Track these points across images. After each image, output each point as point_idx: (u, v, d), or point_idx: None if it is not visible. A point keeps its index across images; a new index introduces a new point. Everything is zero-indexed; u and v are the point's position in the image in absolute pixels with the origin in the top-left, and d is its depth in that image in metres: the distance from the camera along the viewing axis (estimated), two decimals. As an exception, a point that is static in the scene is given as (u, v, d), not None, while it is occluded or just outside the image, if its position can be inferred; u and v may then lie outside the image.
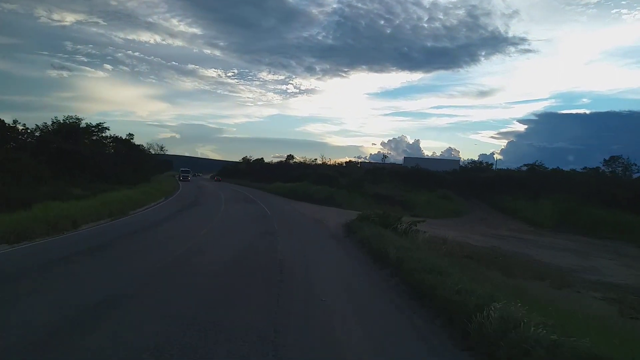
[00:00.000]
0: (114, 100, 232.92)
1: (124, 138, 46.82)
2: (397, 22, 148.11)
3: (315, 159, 72.28)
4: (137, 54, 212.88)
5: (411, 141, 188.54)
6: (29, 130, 37.07)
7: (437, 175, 49.22)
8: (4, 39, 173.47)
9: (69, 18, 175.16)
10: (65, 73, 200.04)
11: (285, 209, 31.47)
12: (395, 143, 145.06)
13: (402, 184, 47.05)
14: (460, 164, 75.88)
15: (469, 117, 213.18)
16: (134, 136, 49.53)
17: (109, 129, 43.04)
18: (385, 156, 76.93)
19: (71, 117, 40.51)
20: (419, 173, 48.14)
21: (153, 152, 67.25)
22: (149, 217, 22.35)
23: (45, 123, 38.88)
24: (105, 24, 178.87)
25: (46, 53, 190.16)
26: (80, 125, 41.24)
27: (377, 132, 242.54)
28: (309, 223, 22.88)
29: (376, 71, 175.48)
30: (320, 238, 17.54)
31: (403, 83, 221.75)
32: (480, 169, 60.76)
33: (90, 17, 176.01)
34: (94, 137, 42.59)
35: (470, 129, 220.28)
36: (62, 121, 39.53)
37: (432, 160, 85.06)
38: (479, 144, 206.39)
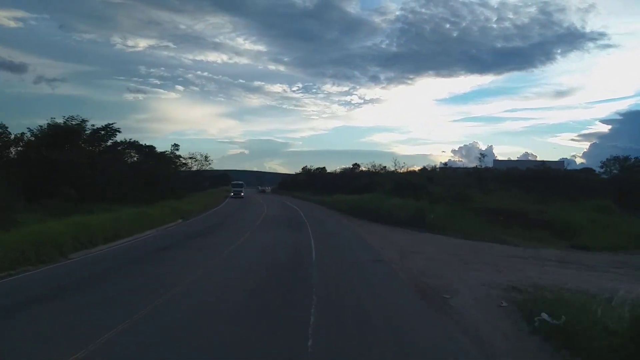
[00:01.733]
0: (186, 119, 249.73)
1: (143, 145, 37.37)
2: (464, 24, 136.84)
3: (385, 167, 58.16)
4: (205, 74, 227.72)
5: (483, 147, 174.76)
6: (11, 138, 28.37)
7: (576, 178, 32.94)
8: (84, 67, 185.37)
9: (142, 44, 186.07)
10: (140, 96, 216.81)
11: (347, 240, 18.51)
12: (467, 150, 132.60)
13: (521, 192, 31.58)
14: (566, 166, 58.08)
15: (546, 119, 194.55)
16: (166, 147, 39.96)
17: (119, 132, 33.50)
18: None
19: (73, 118, 31.52)
20: (552, 176, 32.16)
21: (190, 165, 58.22)
22: (86, 267, 10.77)
23: (41, 126, 30.04)
24: (175, 47, 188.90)
25: (122, 78, 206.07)
26: (86, 129, 32.16)
27: (446, 139, 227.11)
28: (404, 291, 9.51)
29: (444, 76, 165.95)
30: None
31: (473, 87, 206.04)
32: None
33: (161, 42, 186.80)
34: (103, 145, 33.27)
35: (547, 132, 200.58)
36: (60, 123, 30.51)
37: (529, 163, 67.30)
38: (558, 147, 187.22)
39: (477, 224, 22.67)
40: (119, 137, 35.20)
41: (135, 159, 35.76)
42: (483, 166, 46.08)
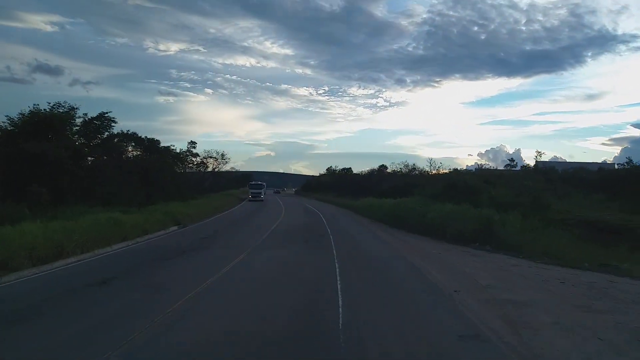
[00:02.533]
0: (214, 122, 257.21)
1: (144, 138, 32.57)
2: (492, 27, 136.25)
3: (413, 167, 51.23)
4: (234, 77, 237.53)
5: (511, 150, 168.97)
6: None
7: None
8: (117, 70, 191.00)
9: (173, 47, 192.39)
10: (171, 99, 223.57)
11: (393, 270, 12.51)
12: (494, 153, 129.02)
13: (604, 197, 24.69)
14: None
15: (576, 123, 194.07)
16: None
17: (115, 122, 28.73)
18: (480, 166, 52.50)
19: (60, 105, 27.03)
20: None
21: (208, 164, 53.55)
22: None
23: (22, 114, 25.51)
24: (205, 51, 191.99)
25: (154, 81, 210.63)
26: (75, 119, 27.64)
27: (472, 143, 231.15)
28: None
29: (470, 79, 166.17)
30: None
31: (500, 90, 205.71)
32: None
33: (192, 46, 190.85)
34: (98, 137, 28.62)
35: (577, 136, 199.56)
36: (43, 110, 25.98)
37: (570, 164, 58.97)
38: (588, 151, 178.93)
39: (567, 243, 16.17)
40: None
41: (133, 154, 31.08)
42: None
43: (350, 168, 71.39)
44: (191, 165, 51.76)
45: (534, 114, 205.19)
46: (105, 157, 27.60)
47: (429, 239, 18.51)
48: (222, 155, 54.92)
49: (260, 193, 52.90)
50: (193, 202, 33.68)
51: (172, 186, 34.07)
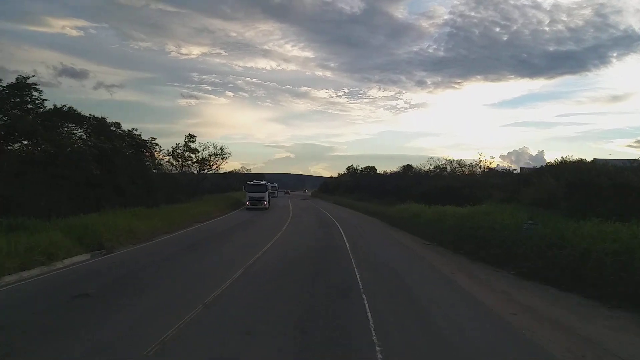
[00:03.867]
0: (235, 124, 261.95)
1: (89, 117, 22.89)
2: (515, 27, 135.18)
3: (458, 163, 39.98)
4: (255, 80, 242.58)
5: (534, 152, 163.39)
6: None
7: None
8: (140, 74, 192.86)
9: (195, 51, 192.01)
10: (192, 102, 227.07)
11: None
12: (516, 155, 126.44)
13: None
14: None
15: (601, 124, 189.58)
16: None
17: (37, 89, 19.25)
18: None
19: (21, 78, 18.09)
20: None
21: (209, 163, 44.03)
22: None
23: None
24: (226, 54, 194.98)
25: (176, 84, 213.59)
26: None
27: (494, 144, 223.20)
28: None
29: (492, 80, 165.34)
30: None
31: (523, 91, 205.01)
32: None
33: (213, 49, 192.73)
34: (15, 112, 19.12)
35: (602, 138, 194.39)
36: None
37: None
38: (614, 153, 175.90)
39: None
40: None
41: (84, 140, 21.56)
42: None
43: (373, 167, 60.82)
44: (189, 162, 42.38)
45: (557, 116, 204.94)
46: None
47: (593, 301, 8.16)
48: (222, 149, 44.68)
49: (263, 198, 37.12)
50: (165, 210, 24.12)
51: (137, 187, 24.49)
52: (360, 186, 54.73)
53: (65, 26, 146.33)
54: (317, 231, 20.60)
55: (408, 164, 48.93)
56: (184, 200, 34.11)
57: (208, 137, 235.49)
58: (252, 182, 40.56)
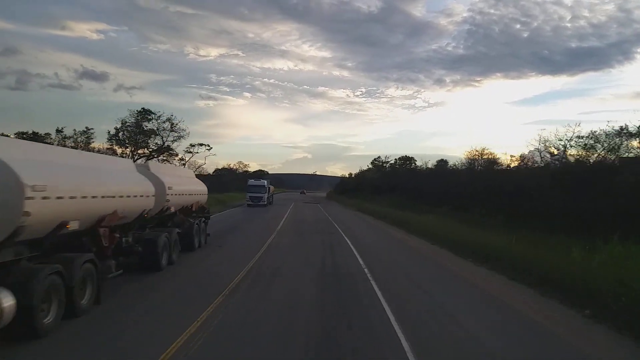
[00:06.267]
0: (253, 125, 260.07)
1: None
2: (535, 24, 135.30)
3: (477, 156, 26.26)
4: (272, 80, 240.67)
5: (555, 151, 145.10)
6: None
7: None
8: (159, 76, 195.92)
9: (213, 53, 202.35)
10: (211, 103, 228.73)
11: None
12: (538, 153, 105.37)
13: None
14: None
15: (625, 121, 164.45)
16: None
17: None
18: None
19: None
20: None
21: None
22: None
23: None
24: (244, 55, 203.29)
25: (194, 86, 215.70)
26: None
27: (514, 143, 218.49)
28: None
29: (513, 78, 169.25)
30: None
31: (544, 89, 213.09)
32: None
33: (231, 50, 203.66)
34: None
35: None
36: None
37: None
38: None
39: None
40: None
41: None
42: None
43: (412, 158, 47.09)
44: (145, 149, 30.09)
45: (580, 113, 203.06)
46: None
47: None
48: (208, 146, 36.35)
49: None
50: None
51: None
52: (392, 186, 41.11)
53: (87, 29, 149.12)
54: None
55: (443, 158, 36.39)
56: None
57: (227, 138, 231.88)
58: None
